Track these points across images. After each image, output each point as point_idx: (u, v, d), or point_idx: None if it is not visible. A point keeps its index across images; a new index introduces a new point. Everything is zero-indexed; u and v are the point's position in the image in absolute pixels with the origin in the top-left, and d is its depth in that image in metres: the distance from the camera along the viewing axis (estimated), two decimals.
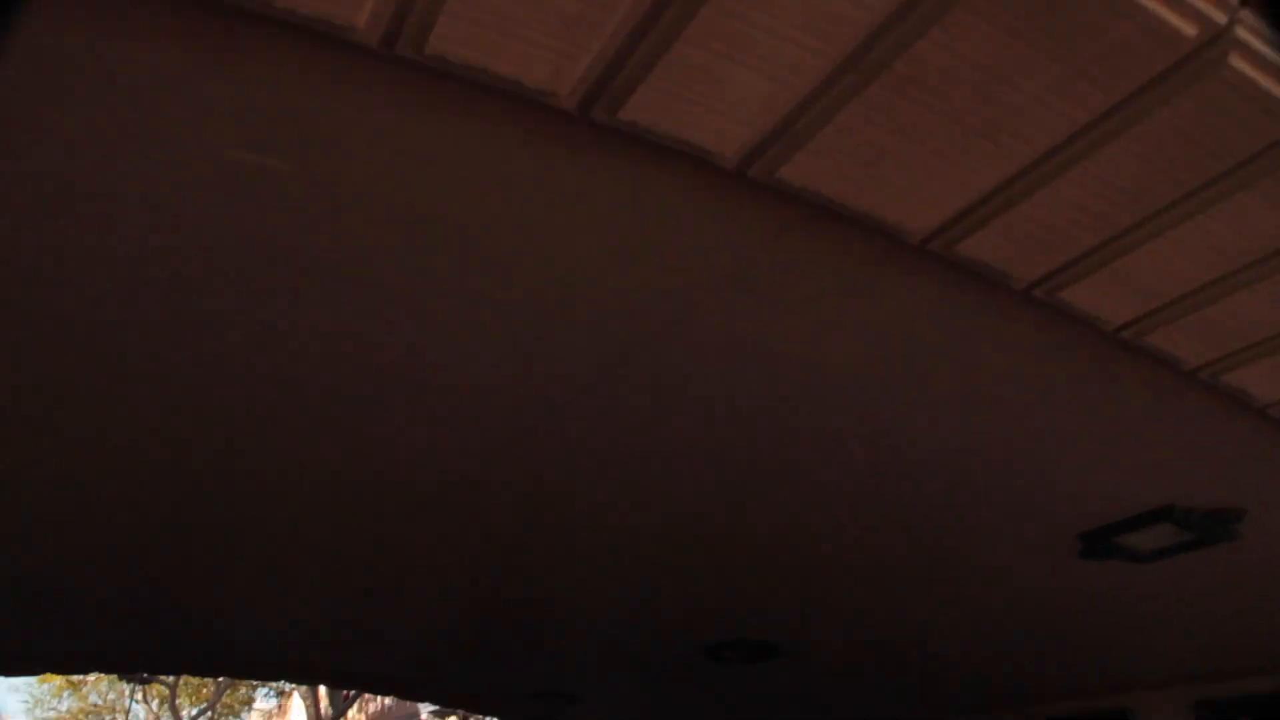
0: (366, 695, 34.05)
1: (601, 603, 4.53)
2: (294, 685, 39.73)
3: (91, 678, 38.48)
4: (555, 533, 3.42)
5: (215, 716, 40.68)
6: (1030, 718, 5.12)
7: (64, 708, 45.57)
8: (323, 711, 21.68)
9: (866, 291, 2.15)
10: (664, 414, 2.48)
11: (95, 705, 43.77)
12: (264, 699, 45.34)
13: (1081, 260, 1.99)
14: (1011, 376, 2.39)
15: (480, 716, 24.33)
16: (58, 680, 39.19)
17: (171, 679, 34.15)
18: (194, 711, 37.97)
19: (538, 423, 2.40)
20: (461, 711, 25.61)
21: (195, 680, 37.24)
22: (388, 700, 34.02)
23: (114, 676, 33.79)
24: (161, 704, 37.35)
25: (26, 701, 56.68)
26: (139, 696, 36.92)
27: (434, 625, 5.17)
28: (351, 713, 30.17)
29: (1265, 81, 1.65)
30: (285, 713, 48.87)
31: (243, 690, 40.63)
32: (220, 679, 36.03)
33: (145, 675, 30.21)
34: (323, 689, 23.07)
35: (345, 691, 22.57)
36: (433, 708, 26.86)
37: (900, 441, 2.62)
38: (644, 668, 5.56)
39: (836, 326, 2.25)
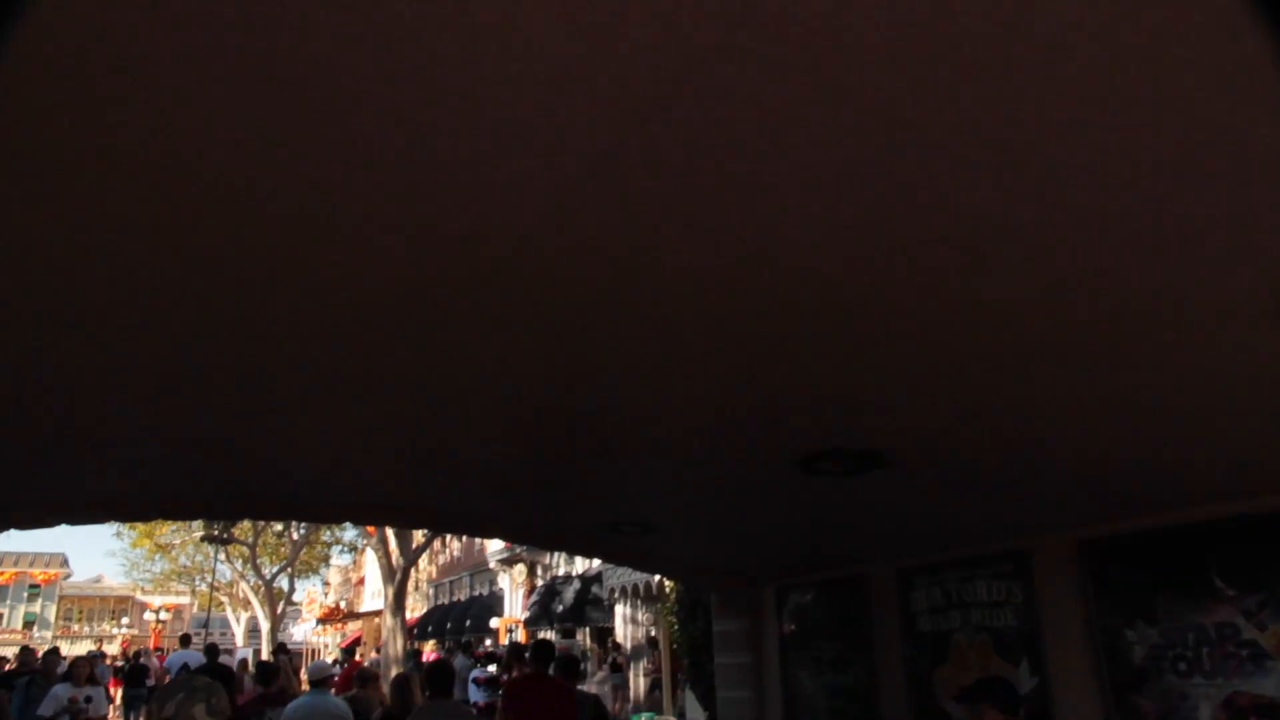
0: (435, 546, 35.34)
1: (682, 420, 4.09)
2: (366, 540, 41.35)
3: (178, 541, 40.53)
4: (632, 333, 2.94)
5: (294, 572, 42.82)
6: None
7: (157, 570, 48.55)
8: (394, 563, 22.34)
9: None
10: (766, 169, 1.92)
11: (185, 567, 46.41)
12: (338, 555, 47.64)
13: None
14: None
15: (552, 552, 24.98)
16: (149, 545, 41.44)
17: (250, 540, 35.72)
18: (274, 569, 39.87)
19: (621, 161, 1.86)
20: (528, 556, 26.35)
21: (273, 540, 39.01)
22: (455, 551, 35.27)
23: (200, 540, 35.45)
24: (244, 563, 39.24)
25: (124, 565, 60.72)
26: (222, 557, 38.80)
27: (501, 455, 4.81)
28: (422, 563, 31.30)
29: None
30: (359, 568, 51.34)
31: (318, 548, 42.59)
32: (295, 538, 37.68)
33: (226, 535, 31.54)
34: (394, 542, 23.73)
35: (415, 543, 23.20)
36: (501, 555, 27.67)
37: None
38: (727, 489, 5.18)
39: None
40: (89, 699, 8.22)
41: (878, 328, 2.87)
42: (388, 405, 4.05)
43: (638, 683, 19.69)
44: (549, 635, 22.59)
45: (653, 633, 21.43)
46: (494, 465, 5.12)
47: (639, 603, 15.52)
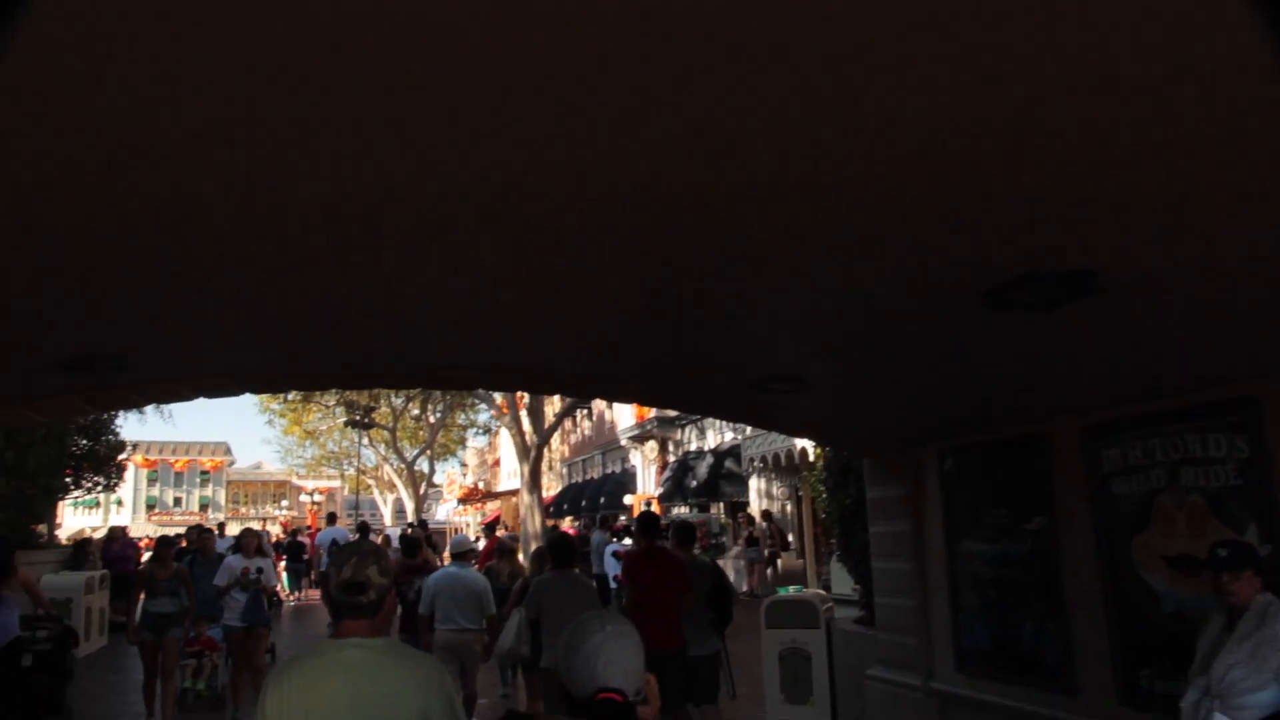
0: (566, 426, 35.96)
1: (842, 250, 3.42)
2: (499, 422, 42.65)
3: (324, 427, 42.72)
4: (782, 133, 2.28)
5: (433, 455, 44.64)
6: None
7: (308, 455, 51.66)
8: (528, 441, 22.72)
9: None
10: None
11: (332, 452, 49.21)
12: (474, 438, 49.36)
13: None
14: None
15: (691, 417, 24.90)
16: (298, 432, 43.91)
17: (390, 424, 37.22)
18: (414, 453, 41.60)
19: None
20: (659, 433, 26.35)
21: (411, 425, 40.64)
22: (586, 430, 35.77)
23: (344, 426, 37.17)
24: (386, 447, 41.09)
25: (279, 452, 65.28)
26: (365, 442, 40.76)
27: (633, 303, 4.24)
28: (554, 442, 31.86)
29: None
30: (495, 450, 53.13)
31: (454, 431, 44.16)
32: (432, 421, 39.05)
33: (367, 420, 32.84)
34: (526, 422, 24.11)
35: (546, 422, 23.48)
36: (632, 432, 27.79)
37: None
38: (895, 333, 4.49)
39: None
40: (260, 570, 8.48)
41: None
42: (514, 257, 3.54)
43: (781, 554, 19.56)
44: (683, 510, 22.67)
45: (787, 507, 21.18)
46: (630, 319, 4.58)
47: (777, 475, 15.09)
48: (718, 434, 23.63)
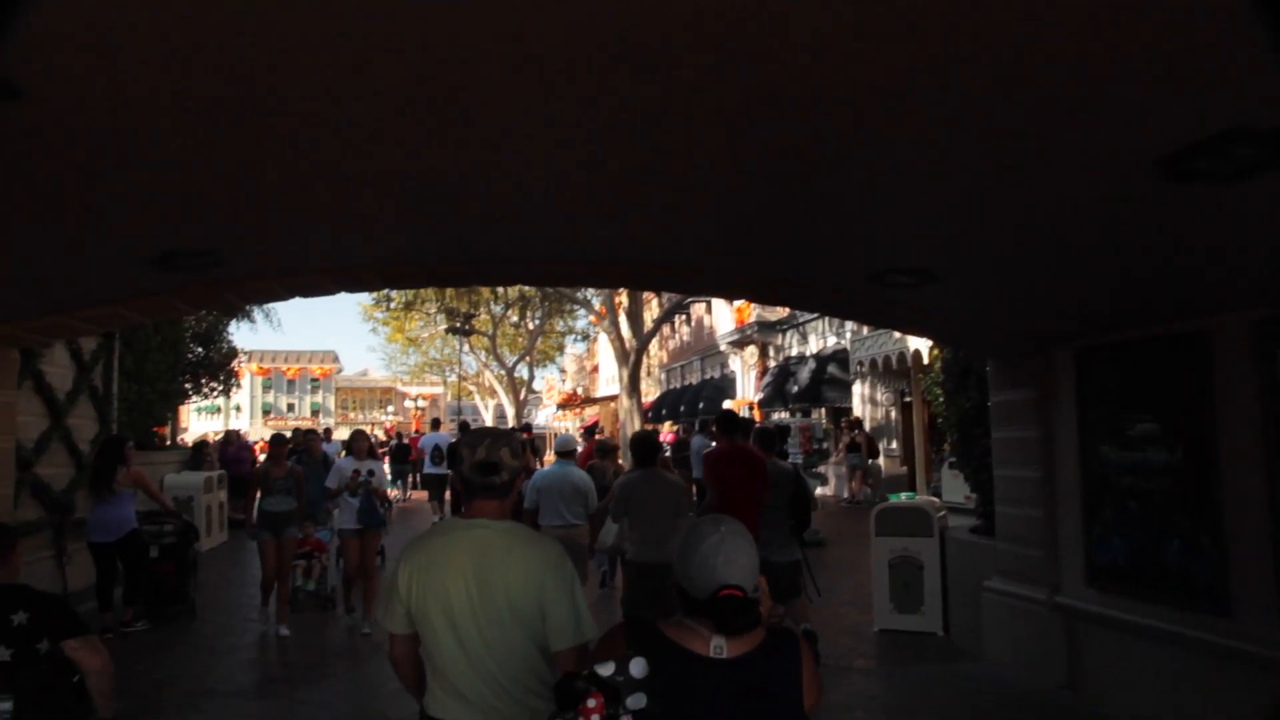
0: (664, 331, 35.75)
1: (987, 121, 2.93)
2: (598, 328, 42.75)
3: (426, 334, 43.59)
4: None
5: (532, 361, 45.19)
6: None
7: (411, 362, 53.08)
8: (627, 345, 22.54)
9: None
10: None
11: (434, 359, 50.37)
12: (572, 344, 49.78)
13: None
14: None
15: (793, 322, 24.40)
16: (401, 339, 44.99)
17: (490, 330, 37.67)
18: (513, 359, 42.16)
19: None
20: (759, 337, 25.89)
21: (511, 331, 41.10)
22: (685, 335, 35.51)
23: (445, 333, 37.80)
24: (486, 354, 41.73)
25: (383, 359, 67.44)
26: (466, 349, 41.41)
27: (748, 189, 3.83)
28: (652, 349, 31.70)
29: None
30: (593, 356, 53.51)
31: (553, 337, 44.54)
32: (531, 327, 39.37)
33: (467, 327, 33.25)
34: (626, 328, 23.94)
35: (646, 328, 23.24)
36: (732, 337, 27.40)
37: None
38: (1041, 214, 3.96)
39: None
40: (371, 472, 8.39)
41: None
42: (619, 138, 3.16)
43: (877, 464, 19.11)
44: (783, 416, 22.33)
45: (891, 413, 20.61)
46: (744, 206, 4.16)
47: (885, 379, 14.55)
48: (820, 338, 23.02)
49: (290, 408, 63.08)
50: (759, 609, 2.11)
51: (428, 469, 17.45)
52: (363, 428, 15.36)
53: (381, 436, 31.43)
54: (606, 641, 2.21)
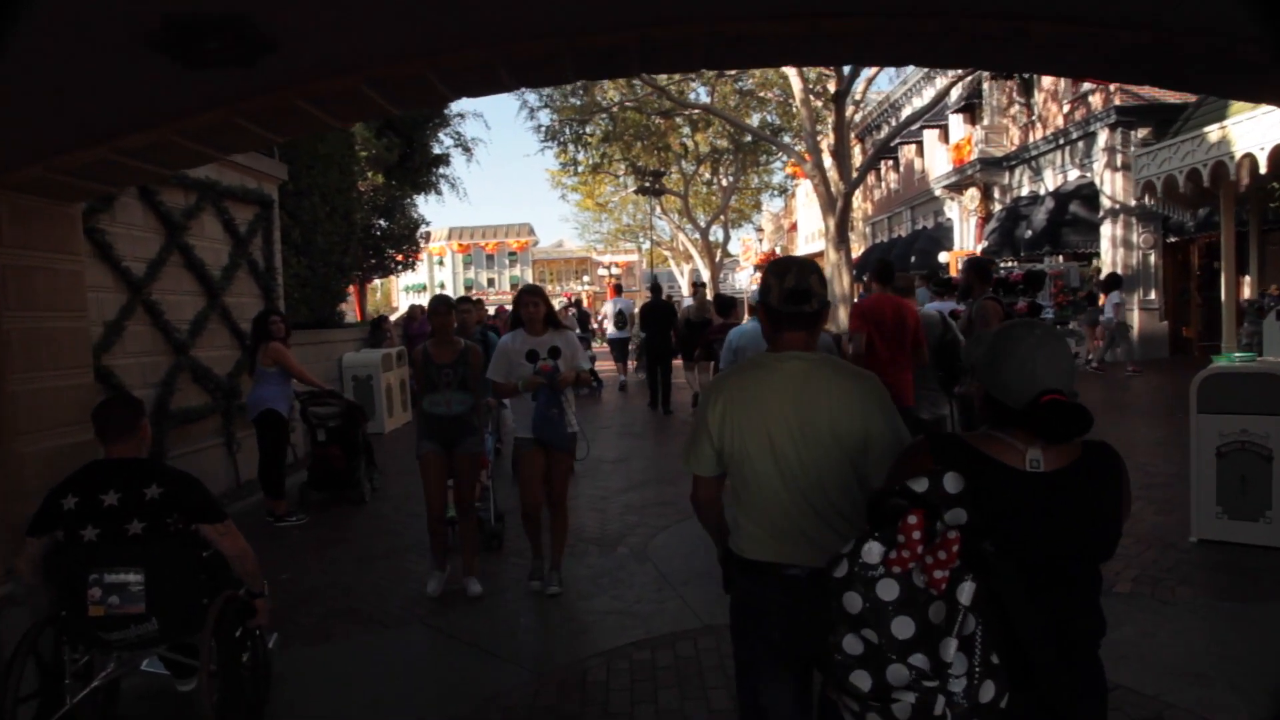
0: (869, 181, 32.68)
1: None
2: (795, 183, 39.92)
3: (616, 199, 42.47)
4: None
5: (726, 222, 43.12)
6: None
7: (604, 230, 52.35)
8: (834, 191, 20.18)
9: None
10: None
11: (627, 225, 49.31)
12: (768, 201, 47.19)
13: None
14: None
15: (1023, 156, 21.17)
16: (592, 205, 44.14)
17: (682, 190, 35.91)
18: (707, 220, 40.28)
19: None
20: (982, 178, 22.70)
21: (704, 190, 39.16)
22: (892, 183, 32.32)
23: (636, 195, 36.42)
24: (680, 216, 40.07)
25: (576, 228, 67.19)
26: (658, 212, 39.92)
27: None
28: (855, 200, 28.88)
29: None
30: (790, 214, 50.71)
31: (747, 195, 42.19)
32: (724, 185, 37.28)
33: (658, 187, 31.65)
34: (832, 170, 21.49)
35: (853, 173, 20.73)
36: (948, 180, 24.26)
37: None
38: None
39: None
40: (555, 351, 6.81)
41: None
42: None
43: (1125, 315, 16.18)
44: (1011, 264, 19.47)
45: (1150, 257, 17.38)
46: None
47: (1175, 204, 11.60)
48: (1058, 173, 19.70)
49: (490, 282, 64.55)
50: (1089, 415, 1.77)
51: (611, 334, 18.24)
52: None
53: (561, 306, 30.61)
54: (909, 457, 1.98)
